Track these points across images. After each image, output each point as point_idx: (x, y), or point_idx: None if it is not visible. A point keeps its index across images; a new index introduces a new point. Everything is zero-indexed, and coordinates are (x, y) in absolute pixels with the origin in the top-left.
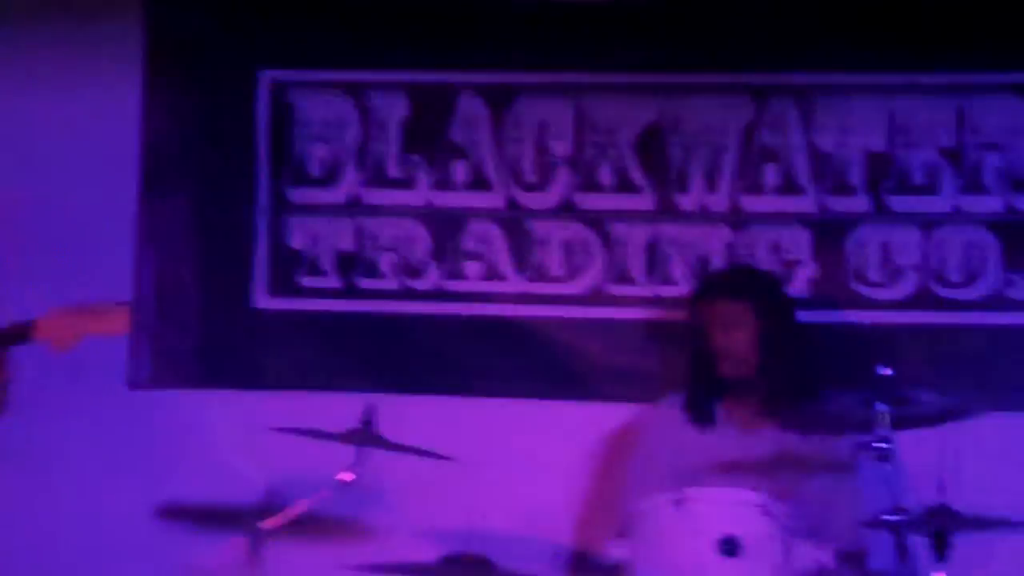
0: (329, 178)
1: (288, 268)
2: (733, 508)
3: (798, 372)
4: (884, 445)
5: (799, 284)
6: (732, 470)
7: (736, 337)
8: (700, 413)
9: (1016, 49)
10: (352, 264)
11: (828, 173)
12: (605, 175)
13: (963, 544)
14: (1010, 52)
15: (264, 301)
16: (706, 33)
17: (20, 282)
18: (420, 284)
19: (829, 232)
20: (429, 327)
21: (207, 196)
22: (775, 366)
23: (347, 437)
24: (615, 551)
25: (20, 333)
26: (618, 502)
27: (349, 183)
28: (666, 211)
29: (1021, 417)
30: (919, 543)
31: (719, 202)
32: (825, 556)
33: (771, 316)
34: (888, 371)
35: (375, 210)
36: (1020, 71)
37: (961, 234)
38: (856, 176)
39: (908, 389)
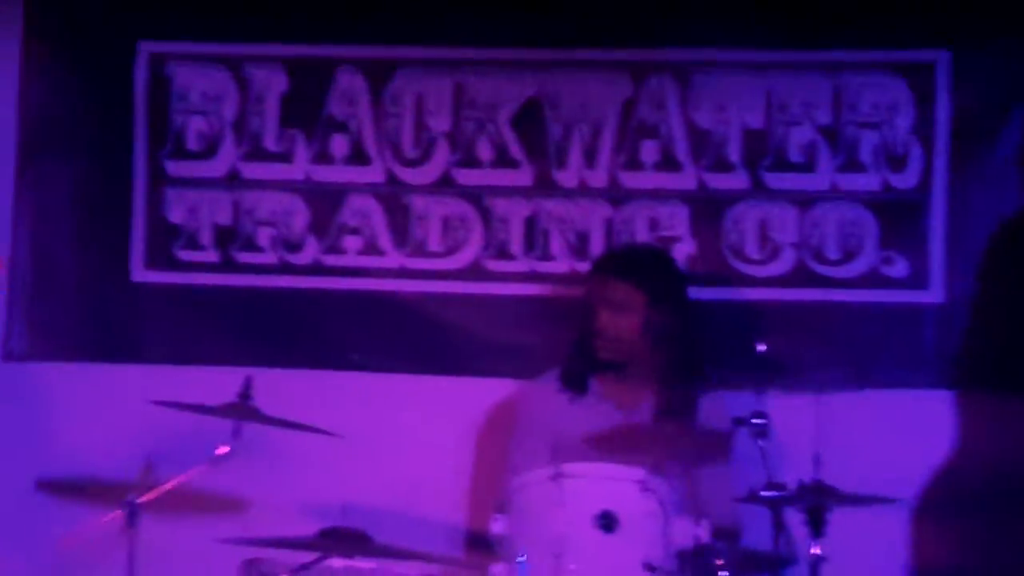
0: (208, 151)
1: (166, 241)
2: (610, 483)
3: (682, 350)
4: (760, 421)
5: (678, 261)
6: (609, 444)
7: (622, 320)
8: (577, 388)
9: (892, 27)
10: (230, 238)
11: (706, 150)
12: (484, 150)
13: (838, 520)
14: (886, 30)
15: (142, 275)
16: (585, 9)
17: None
18: (299, 258)
19: (707, 209)
20: (307, 302)
21: (85, 168)
22: (660, 344)
23: (225, 411)
24: (496, 526)
25: None
26: (498, 477)
27: (227, 157)
28: (545, 187)
29: (896, 394)
30: (795, 519)
31: (598, 178)
32: (702, 532)
33: (660, 297)
34: (764, 347)
35: (254, 184)
36: (897, 49)
37: (838, 212)
38: (734, 153)
39: (785, 366)
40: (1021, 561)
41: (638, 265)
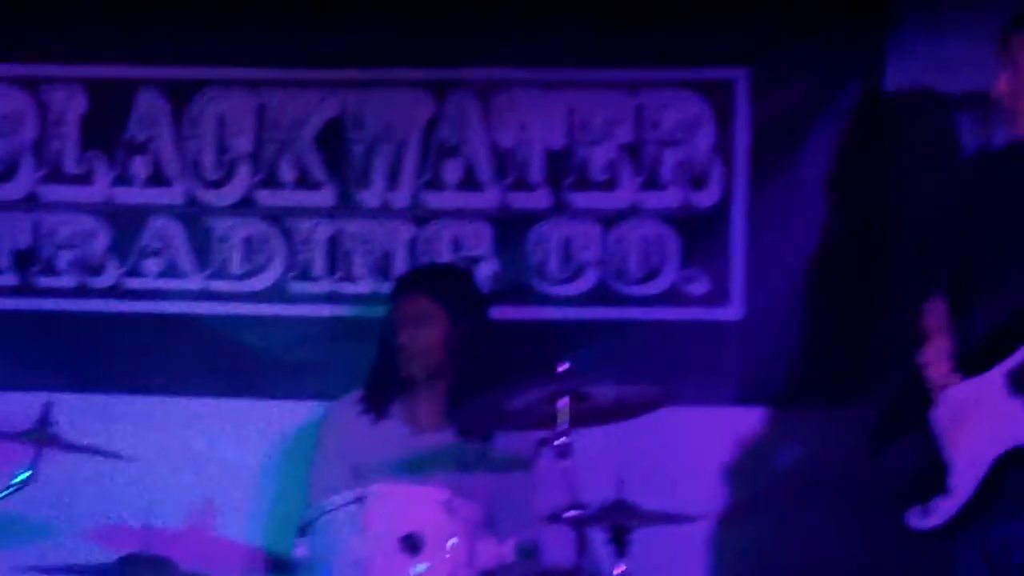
0: (6, 174)
1: None
2: (415, 505)
3: (483, 369)
4: (563, 441)
5: (481, 280)
6: (413, 466)
7: (423, 335)
8: (379, 409)
9: (692, 45)
10: (29, 261)
11: (509, 169)
12: (286, 171)
13: (642, 538)
14: (686, 48)
15: None
16: (386, 28)
17: None
18: (99, 282)
19: (510, 228)
20: (108, 325)
21: None
22: (461, 363)
23: (24, 436)
24: (299, 550)
25: None
26: (302, 500)
27: (26, 179)
28: (348, 207)
29: (698, 410)
30: (599, 538)
31: (401, 198)
32: (506, 551)
33: (462, 314)
34: (567, 366)
35: (53, 206)
36: (697, 67)
37: (640, 230)
38: (536, 172)
39: (588, 384)
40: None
41: (438, 281)
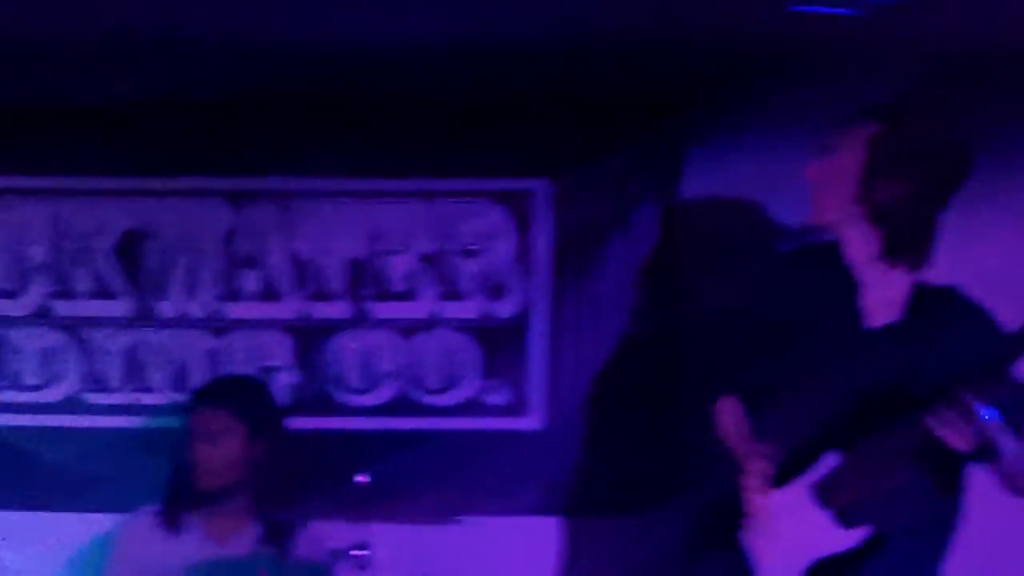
0: None
1: None
2: None
3: (282, 481)
4: (361, 553)
5: (280, 390)
6: None
7: (220, 448)
8: (176, 523)
9: (492, 155)
10: None
11: (308, 279)
12: (82, 281)
13: None
14: (487, 158)
15: None
16: (183, 137)
17: None
18: None
19: (309, 338)
20: None
21: None
22: (260, 476)
23: None
24: None
25: None
26: None
27: None
28: (145, 317)
29: (499, 520)
30: None
31: (199, 308)
32: None
33: (259, 427)
34: (366, 478)
35: None
36: (497, 177)
37: (440, 340)
38: (336, 282)
39: (386, 495)
40: None
41: (235, 393)
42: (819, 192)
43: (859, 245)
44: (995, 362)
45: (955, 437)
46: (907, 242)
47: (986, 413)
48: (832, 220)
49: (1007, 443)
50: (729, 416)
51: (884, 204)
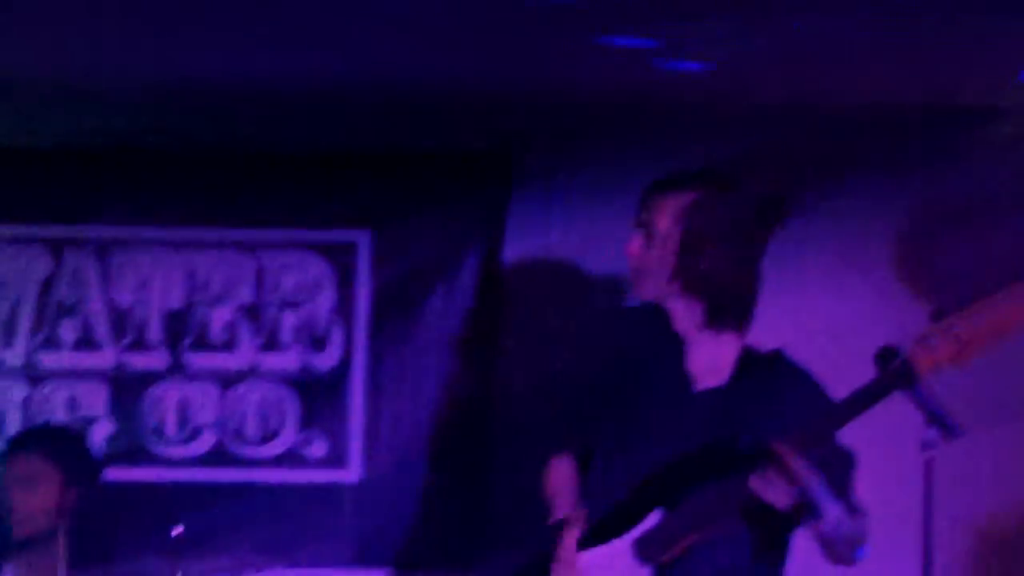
0: None
1: None
2: None
3: (98, 531)
4: None
5: (96, 441)
6: None
7: (35, 495)
8: None
9: (314, 207)
10: None
11: (126, 328)
12: None
13: None
14: (308, 211)
15: None
16: (4, 185)
17: None
18: None
19: (127, 388)
20: None
21: None
22: (75, 525)
23: None
24: None
25: None
26: None
27: None
28: None
29: (317, 573)
30: None
31: (15, 356)
32: None
33: (75, 475)
34: (180, 530)
35: None
36: (318, 229)
37: (259, 391)
38: (155, 332)
39: (204, 547)
40: None
41: (51, 441)
42: (638, 271)
43: (683, 315)
44: (819, 426)
45: (775, 495)
46: (730, 307)
47: (808, 475)
48: (654, 296)
49: (829, 507)
50: (560, 474)
51: (703, 275)
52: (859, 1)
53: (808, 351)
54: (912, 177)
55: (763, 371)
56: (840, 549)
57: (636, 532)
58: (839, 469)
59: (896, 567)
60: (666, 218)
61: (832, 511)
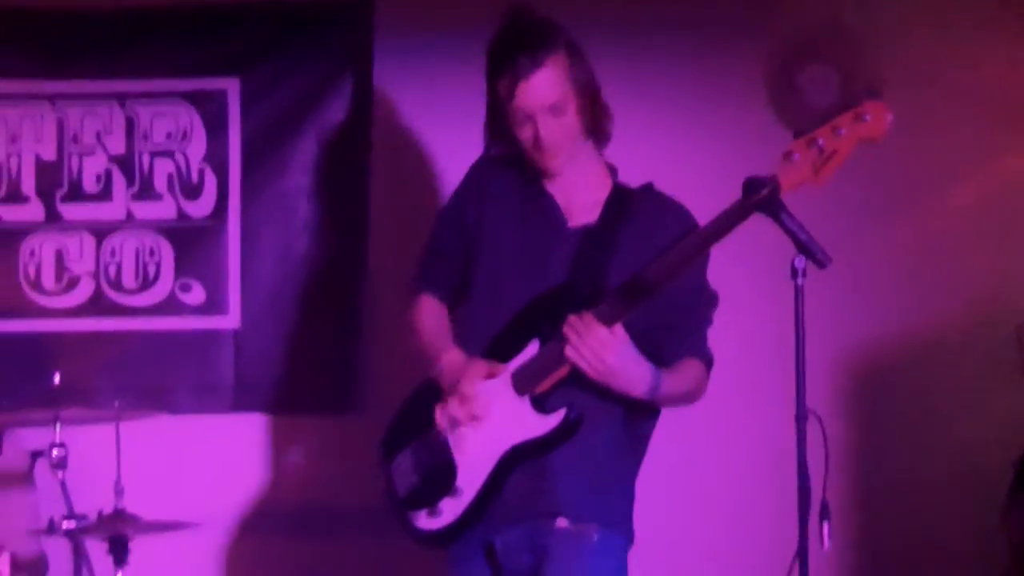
0: None
1: None
2: None
3: None
4: (58, 452)
5: None
6: None
7: None
8: None
9: (182, 55)
10: None
11: (0, 182)
12: None
13: (140, 547)
14: (177, 59)
15: None
16: None
17: None
18: None
19: (2, 240)
20: None
21: None
22: None
23: None
24: None
25: None
26: None
27: None
28: None
29: (197, 419)
30: (99, 549)
31: None
32: (1, 565)
33: None
34: (59, 378)
35: None
36: (188, 77)
37: (135, 240)
38: (28, 184)
39: (84, 395)
40: None
41: None
42: (552, 147)
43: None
44: (682, 253)
45: (582, 363)
46: (606, 140)
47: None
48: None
49: (638, 376)
50: (426, 314)
51: (597, 119)
52: None
53: (678, 185)
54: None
55: (633, 205)
56: (663, 405)
57: (514, 364)
58: (702, 307)
59: (769, 399)
60: (554, 88)
61: (640, 378)
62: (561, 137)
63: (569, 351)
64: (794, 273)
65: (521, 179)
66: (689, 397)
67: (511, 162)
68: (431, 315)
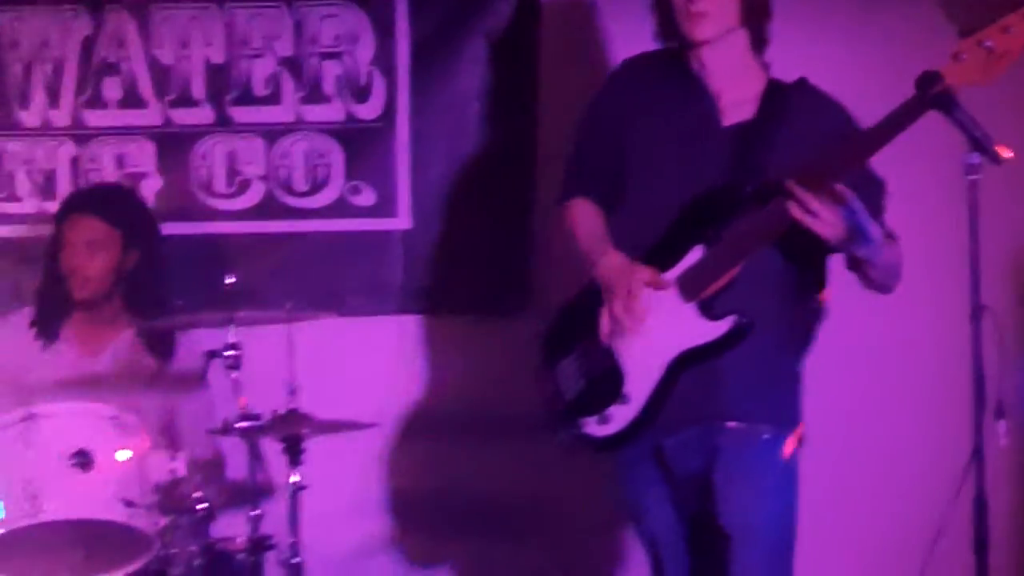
0: None
1: None
2: (82, 421)
3: (155, 287)
4: (232, 353)
5: (146, 196)
6: (79, 385)
7: (95, 258)
8: (46, 331)
9: None
10: None
11: (170, 86)
12: None
13: (315, 447)
14: None
15: None
16: None
17: None
18: None
19: (174, 144)
20: None
21: None
22: (133, 283)
23: None
24: None
25: None
26: None
27: None
28: (8, 127)
29: (367, 321)
30: (273, 448)
31: (62, 117)
32: (179, 465)
33: (134, 235)
34: (234, 279)
35: None
36: None
37: (304, 143)
38: (198, 88)
39: (256, 297)
40: (490, 481)
41: (108, 203)
42: (702, 14)
43: (726, 51)
44: (853, 149)
45: (822, 225)
46: (766, 36)
47: (851, 197)
48: (711, 36)
49: (873, 229)
50: (582, 217)
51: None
52: None
53: (834, 82)
54: None
55: (789, 101)
56: (878, 275)
57: (677, 270)
58: (873, 195)
59: (943, 293)
60: None
61: (876, 234)
62: (717, 5)
63: (795, 210)
64: (968, 170)
65: (672, 77)
66: (896, 271)
67: (661, 61)
68: (587, 218)
